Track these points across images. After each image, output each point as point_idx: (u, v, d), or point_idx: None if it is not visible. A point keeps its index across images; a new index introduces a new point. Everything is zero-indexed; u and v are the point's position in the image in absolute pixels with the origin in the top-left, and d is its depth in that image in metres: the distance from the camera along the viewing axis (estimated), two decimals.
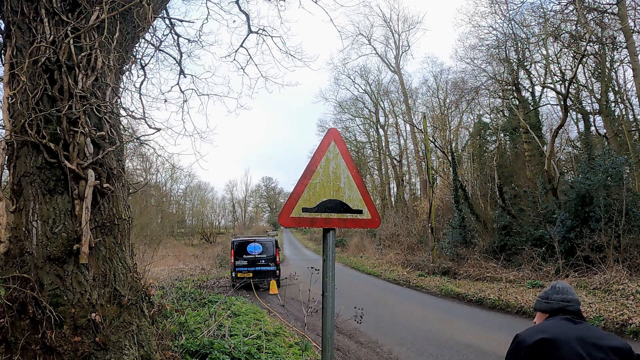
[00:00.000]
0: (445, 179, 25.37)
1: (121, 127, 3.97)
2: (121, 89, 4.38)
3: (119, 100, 4.06)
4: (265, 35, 7.14)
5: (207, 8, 6.54)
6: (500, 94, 21.39)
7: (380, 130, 36.80)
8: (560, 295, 1.93)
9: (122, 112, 4.12)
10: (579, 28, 14.69)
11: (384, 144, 36.33)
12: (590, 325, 1.87)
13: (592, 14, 14.92)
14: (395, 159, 35.59)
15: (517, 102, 20.20)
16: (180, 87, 6.29)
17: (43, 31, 3.40)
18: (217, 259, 24.20)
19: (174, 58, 6.24)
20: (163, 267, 16.77)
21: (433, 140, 23.14)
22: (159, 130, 4.03)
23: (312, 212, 2.56)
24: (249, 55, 7.24)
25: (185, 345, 4.74)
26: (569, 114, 15.60)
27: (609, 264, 10.69)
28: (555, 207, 13.79)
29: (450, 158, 19.73)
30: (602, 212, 11.65)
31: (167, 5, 5.37)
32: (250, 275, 14.37)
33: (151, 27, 4.69)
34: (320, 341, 2.57)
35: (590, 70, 17.98)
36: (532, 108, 19.84)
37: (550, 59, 18.04)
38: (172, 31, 6.08)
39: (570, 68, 17.27)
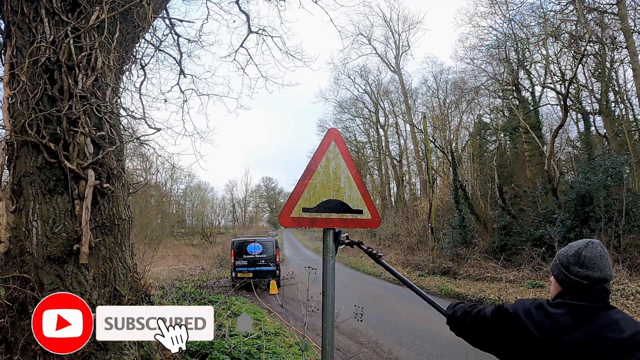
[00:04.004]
0: (445, 179, 25.37)
1: (121, 127, 3.97)
2: (121, 89, 4.39)
3: (119, 100, 4.06)
4: (265, 35, 7.15)
5: (207, 8, 6.55)
6: (500, 94, 21.38)
7: (380, 130, 36.82)
8: (584, 270, 1.42)
9: (122, 112, 4.12)
10: (579, 28, 14.70)
11: (384, 144, 36.33)
12: (614, 318, 1.40)
13: (592, 14, 14.93)
14: (395, 159, 35.59)
15: (517, 102, 20.19)
16: (180, 87, 6.30)
17: (43, 31, 3.40)
18: (217, 259, 24.18)
19: (174, 58, 6.25)
20: (163, 267, 16.77)
21: (433, 140, 23.14)
22: (159, 130, 4.04)
23: (312, 212, 2.56)
24: (249, 55, 7.25)
25: (185, 345, 4.74)
26: (569, 114, 15.60)
27: None
28: (555, 207, 13.79)
29: (450, 158, 19.74)
30: (602, 212, 11.65)
31: (167, 5, 5.37)
32: (250, 275, 14.37)
33: (151, 27, 4.69)
34: (320, 341, 2.57)
35: (590, 70, 17.98)
36: (532, 108, 19.83)
37: (550, 59, 18.05)
38: (172, 31, 6.08)
39: (570, 68, 17.27)
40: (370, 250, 2.47)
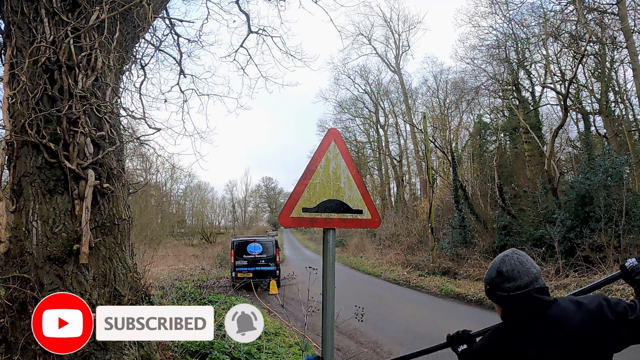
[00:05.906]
0: (445, 179, 25.36)
1: (121, 127, 3.97)
2: (121, 89, 4.39)
3: (119, 100, 4.07)
4: (265, 35, 7.15)
5: (207, 8, 6.55)
6: (500, 94, 21.38)
7: (380, 130, 36.81)
8: (512, 283, 1.49)
9: (122, 112, 4.13)
10: (579, 28, 14.69)
11: (384, 144, 36.33)
12: (560, 309, 1.47)
13: (592, 14, 14.93)
14: (395, 159, 35.59)
15: (517, 102, 20.19)
16: (180, 87, 6.30)
17: (43, 31, 3.40)
18: (217, 259, 24.19)
19: (174, 58, 6.25)
20: (163, 267, 16.74)
21: (433, 140, 23.13)
22: (159, 130, 4.04)
23: (312, 212, 2.56)
24: (249, 55, 7.24)
25: (185, 345, 4.74)
26: (569, 114, 15.60)
27: (609, 264, 10.69)
28: (555, 207, 13.79)
29: (450, 158, 19.73)
30: (602, 212, 11.65)
31: (167, 5, 5.37)
32: (250, 275, 14.37)
33: (151, 27, 4.70)
34: (320, 341, 2.57)
35: (590, 70, 17.97)
36: (532, 108, 19.82)
37: (550, 59, 18.02)
38: (172, 31, 6.08)
39: (570, 68, 17.27)
40: None
